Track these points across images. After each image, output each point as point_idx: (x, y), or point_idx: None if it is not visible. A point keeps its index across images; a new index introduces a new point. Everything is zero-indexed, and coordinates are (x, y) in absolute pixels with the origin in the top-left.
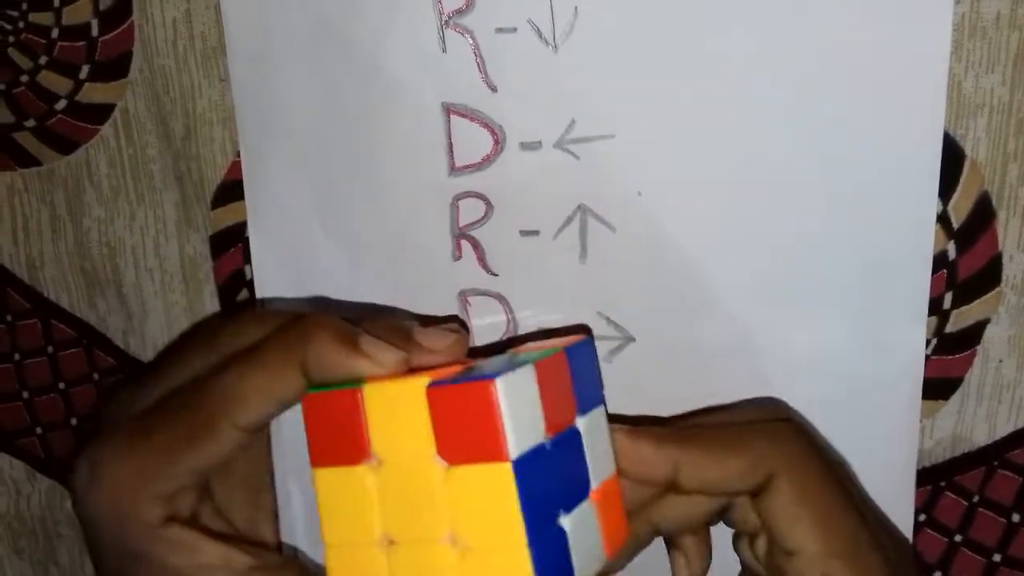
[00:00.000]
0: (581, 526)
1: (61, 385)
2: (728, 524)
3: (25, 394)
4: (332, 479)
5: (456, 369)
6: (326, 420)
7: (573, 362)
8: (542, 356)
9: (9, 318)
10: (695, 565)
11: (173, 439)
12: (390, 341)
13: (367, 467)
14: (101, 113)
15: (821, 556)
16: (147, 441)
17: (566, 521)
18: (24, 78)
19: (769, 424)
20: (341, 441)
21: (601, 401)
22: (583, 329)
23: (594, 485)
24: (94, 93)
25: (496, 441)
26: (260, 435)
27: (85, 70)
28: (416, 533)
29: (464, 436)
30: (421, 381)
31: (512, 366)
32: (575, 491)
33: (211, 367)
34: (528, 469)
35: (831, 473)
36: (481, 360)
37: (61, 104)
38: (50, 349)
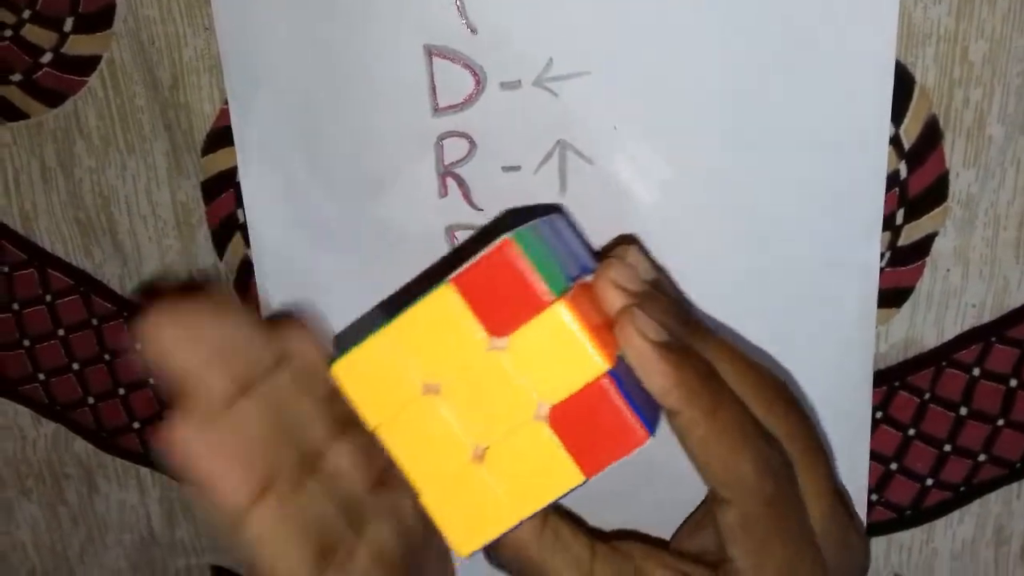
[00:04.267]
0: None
1: (61, 332)
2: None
3: (26, 342)
4: (398, 428)
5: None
6: (365, 377)
7: (549, 229)
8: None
9: (6, 269)
10: None
11: None
12: None
13: (427, 397)
14: (87, 65)
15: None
16: None
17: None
18: (8, 32)
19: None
20: (390, 387)
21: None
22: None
23: None
24: (79, 45)
25: (534, 289)
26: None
27: (69, 23)
28: (505, 426)
29: (505, 303)
30: (444, 286)
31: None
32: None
33: None
34: (574, 306)
35: (787, 501)
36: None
37: (47, 57)
38: (48, 298)
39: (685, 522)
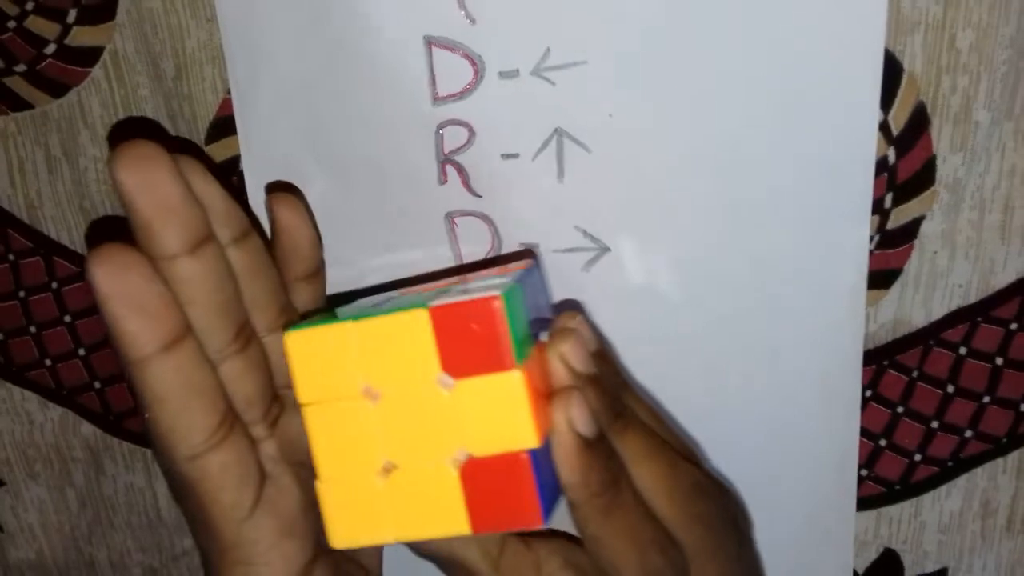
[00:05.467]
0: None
1: (67, 318)
2: None
3: (33, 328)
4: (325, 414)
5: (429, 288)
6: (314, 357)
7: (527, 286)
8: (514, 278)
9: (11, 257)
10: None
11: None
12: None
13: (364, 399)
14: (90, 56)
15: None
16: None
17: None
18: (11, 24)
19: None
20: (333, 376)
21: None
22: (528, 254)
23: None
24: (82, 36)
25: (502, 352)
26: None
27: (72, 14)
28: (420, 456)
29: (469, 351)
30: (421, 309)
31: (499, 285)
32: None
33: None
34: (528, 377)
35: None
36: (448, 282)
37: (50, 48)
38: (54, 285)
39: None
